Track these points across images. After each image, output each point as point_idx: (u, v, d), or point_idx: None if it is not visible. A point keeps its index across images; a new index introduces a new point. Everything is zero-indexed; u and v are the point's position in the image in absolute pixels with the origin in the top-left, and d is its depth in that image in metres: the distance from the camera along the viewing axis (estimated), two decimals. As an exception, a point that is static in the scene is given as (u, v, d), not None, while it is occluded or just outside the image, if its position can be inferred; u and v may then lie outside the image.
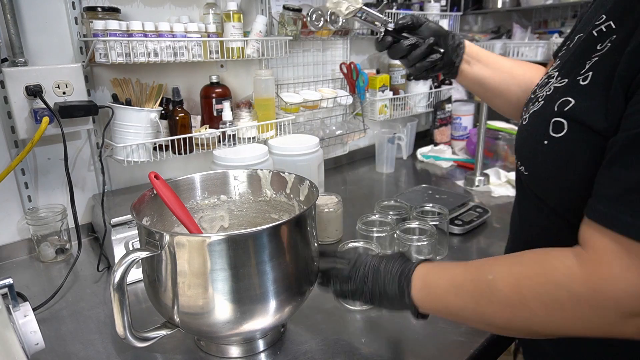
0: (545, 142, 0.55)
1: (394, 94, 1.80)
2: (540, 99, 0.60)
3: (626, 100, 0.47)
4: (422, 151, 1.93)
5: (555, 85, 0.58)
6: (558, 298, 0.48)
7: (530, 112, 0.61)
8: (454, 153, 1.96)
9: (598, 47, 0.53)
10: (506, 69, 0.86)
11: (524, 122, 0.62)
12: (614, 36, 0.52)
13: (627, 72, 0.47)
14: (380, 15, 0.83)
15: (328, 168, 1.75)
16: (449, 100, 2.04)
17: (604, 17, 0.56)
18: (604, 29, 0.54)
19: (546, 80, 0.63)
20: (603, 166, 0.48)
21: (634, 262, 0.44)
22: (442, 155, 1.90)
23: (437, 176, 1.72)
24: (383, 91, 1.74)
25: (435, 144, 2.02)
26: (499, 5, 2.04)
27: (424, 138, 2.14)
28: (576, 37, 0.63)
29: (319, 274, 0.74)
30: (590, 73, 0.52)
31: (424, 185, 1.48)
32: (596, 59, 0.53)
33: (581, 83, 0.53)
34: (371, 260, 0.68)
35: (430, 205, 1.12)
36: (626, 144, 0.46)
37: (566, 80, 0.56)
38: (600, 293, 0.45)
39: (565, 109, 0.53)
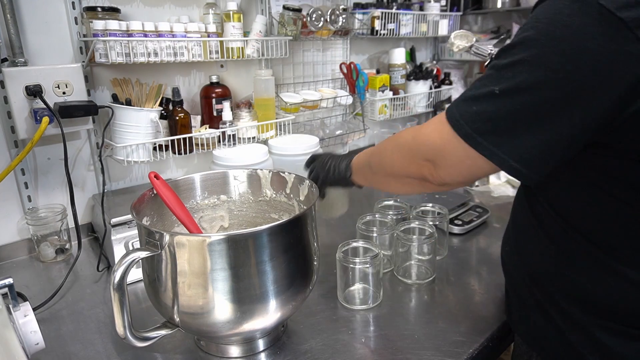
0: None
1: (393, 94, 1.80)
2: None
3: None
4: (422, 151, 1.93)
5: None
6: (400, 142, 0.72)
7: None
8: (453, 153, 1.96)
9: None
10: None
11: None
12: None
13: None
14: (485, 49, 1.10)
15: (328, 168, 1.75)
16: (448, 100, 2.04)
17: None
18: None
19: None
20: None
21: (437, 128, 0.62)
22: (442, 155, 1.89)
23: (437, 176, 1.72)
24: (383, 91, 1.74)
25: (435, 144, 2.02)
26: (499, 5, 2.04)
27: (423, 138, 2.14)
28: None
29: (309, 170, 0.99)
30: None
31: (423, 185, 1.48)
32: None
33: None
34: (327, 155, 0.98)
35: (430, 205, 1.12)
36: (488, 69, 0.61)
37: None
38: (414, 141, 0.68)
39: None
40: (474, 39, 1.11)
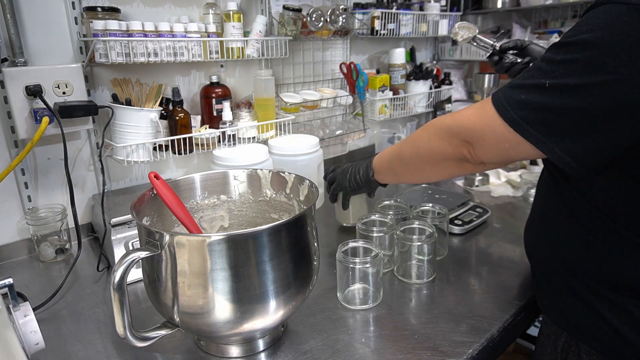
0: None
1: (393, 94, 1.80)
2: None
3: None
4: (422, 151, 1.93)
5: None
6: (434, 127, 0.77)
7: None
8: (453, 153, 1.96)
9: None
10: None
11: None
12: None
13: None
14: (488, 41, 1.11)
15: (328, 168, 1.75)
16: (448, 100, 2.04)
17: None
18: None
19: None
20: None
21: (478, 111, 0.68)
22: (442, 155, 1.89)
23: (437, 176, 1.72)
24: (383, 91, 1.74)
25: (435, 144, 2.02)
26: (499, 5, 2.04)
27: (423, 138, 2.14)
28: None
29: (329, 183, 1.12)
30: None
31: (423, 185, 1.48)
32: None
33: None
34: (346, 165, 1.08)
35: (430, 205, 1.12)
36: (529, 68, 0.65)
37: None
38: (452, 121, 0.73)
39: None
40: (477, 31, 1.14)
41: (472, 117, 0.68)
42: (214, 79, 1.32)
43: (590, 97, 0.56)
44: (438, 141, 0.75)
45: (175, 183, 0.85)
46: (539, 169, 1.61)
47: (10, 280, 0.61)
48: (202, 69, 1.37)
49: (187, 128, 1.26)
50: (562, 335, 0.77)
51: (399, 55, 1.82)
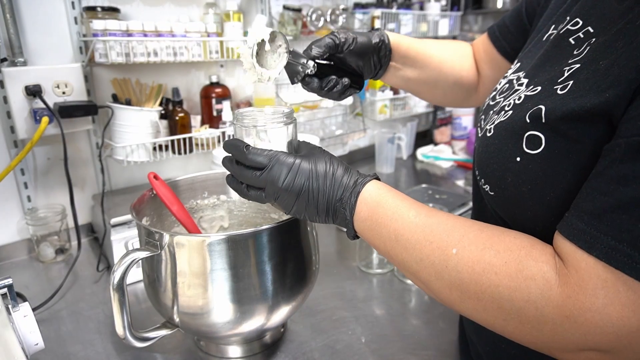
0: (518, 159, 0.48)
1: (394, 94, 1.80)
2: (507, 109, 0.53)
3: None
4: (422, 151, 1.93)
5: (527, 94, 0.51)
6: (523, 311, 0.42)
7: (496, 122, 0.53)
8: (454, 153, 1.96)
9: (575, 52, 0.49)
10: (435, 65, 0.80)
11: (487, 134, 0.54)
12: (593, 39, 0.48)
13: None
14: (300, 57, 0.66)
15: (328, 168, 1.75)
16: (449, 100, 2.04)
17: (579, 21, 0.51)
18: (582, 35, 0.50)
19: (507, 85, 0.59)
20: (591, 176, 0.42)
21: (618, 295, 0.37)
22: (442, 155, 1.90)
23: (437, 176, 1.72)
24: (383, 91, 1.73)
25: (435, 144, 2.02)
26: (499, 5, 2.04)
27: (424, 138, 2.14)
28: (539, 37, 0.60)
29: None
30: (571, 82, 0.46)
31: (424, 185, 1.48)
32: (577, 66, 0.47)
33: (559, 92, 0.46)
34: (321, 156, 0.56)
35: (430, 205, 1.12)
36: (624, 151, 0.38)
37: (539, 88, 0.50)
38: (572, 323, 0.40)
39: (544, 121, 0.46)
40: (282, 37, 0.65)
41: (616, 311, 0.38)
42: (214, 79, 1.32)
43: None
44: (530, 338, 0.43)
45: (174, 183, 0.85)
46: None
47: (9, 281, 0.61)
48: (202, 69, 1.37)
49: (187, 128, 1.26)
50: None
51: (399, 55, 1.81)
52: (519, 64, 0.61)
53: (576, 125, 0.43)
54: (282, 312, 0.70)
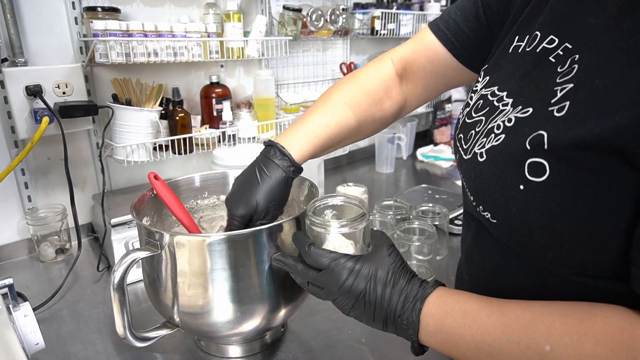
0: (522, 187, 0.44)
1: (394, 94, 1.79)
2: (497, 131, 0.49)
3: None
4: (422, 151, 1.94)
5: (518, 115, 0.48)
6: None
7: (487, 147, 0.50)
8: (453, 153, 1.96)
9: (560, 70, 0.46)
10: (352, 134, 0.74)
11: (479, 158, 0.51)
12: (576, 56, 0.45)
13: None
14: None
15: (328, 168, 1.75)
16: (449, 100, 2.04)
17: (555, 39, 0.49)
18: (561, 52, 0.47)
19: (481, 101, 0.55)
20: None
21: None
22: (442, 155, 1.90)
23: (437, 176, 1.72)
24: (383, 91, 1.73)
25: (435, 144, 2.02)
26: (499, 5, 2.04)
27: (424, 138, 2.14)
28: (502, 48, 0.56)
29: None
30: (567, 103, 0.43)
31: (423, 185, 1.48)
32: (570, 86, 0.44)
33: (556, 114, 0.43)
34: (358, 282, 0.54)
35: (430, 205, 1.12)
36: None
37: (530, 109, 0.47)
38: None
39: (547, 148, 0.43)
40: None
41: None
42: (214, 79, 1.32)
43: None
44: None
45: (175, 183, 0.85)
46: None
47: (10, 280, 0.61)
48: (202, 69, 1.37)
49: (187, 128, 1.26)
50: None
51: (399, 55, 1.81)
52: (487, 78, 0.57)
53: (584, 152, 0.40)
54: (282, 312, 0.70)
